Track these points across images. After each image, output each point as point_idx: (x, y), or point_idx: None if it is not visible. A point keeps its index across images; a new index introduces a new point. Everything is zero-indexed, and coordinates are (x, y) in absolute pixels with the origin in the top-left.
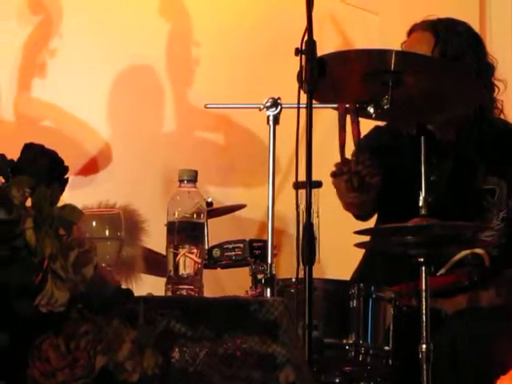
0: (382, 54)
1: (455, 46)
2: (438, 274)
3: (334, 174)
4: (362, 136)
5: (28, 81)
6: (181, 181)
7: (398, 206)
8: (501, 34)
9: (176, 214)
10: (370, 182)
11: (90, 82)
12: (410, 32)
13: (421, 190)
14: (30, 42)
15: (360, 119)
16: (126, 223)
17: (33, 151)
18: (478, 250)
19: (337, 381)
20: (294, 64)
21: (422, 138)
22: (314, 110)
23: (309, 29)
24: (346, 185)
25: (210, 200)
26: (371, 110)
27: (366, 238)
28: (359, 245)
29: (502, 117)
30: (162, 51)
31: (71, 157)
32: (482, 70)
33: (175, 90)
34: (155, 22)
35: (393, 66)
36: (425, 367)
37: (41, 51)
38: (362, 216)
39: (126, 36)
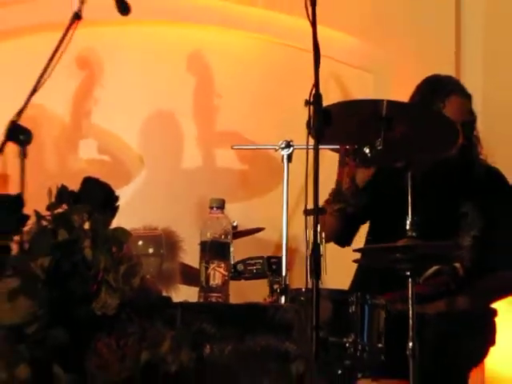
0: (375, 103)
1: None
2: (420, 281)
3: (327, 205)
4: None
5: (77, 124)
6: (211, 208)
7: (387, 229)
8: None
9: (208, 235)
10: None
11: (129, 125)
12: (450, 93)
13: (407, 214)
14: (78, 92)
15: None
16: (166, 242)
17: (90, 183)
18: (456, 264)
19: (339, 372)
20: (304, 111)
21: (409, 173)
22: (319, 151)
23: (316, 84)
24: (339, 213)
25: (235, 224)
26: (367, 150)
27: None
28: (357, 261)
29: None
30: (190, 100)
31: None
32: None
33: (205, 132)
34: (183, 75)
35: (384, 113)
36: (411, 362)
37: (87, 99)
38: (342, 242)
39: (159, 86)
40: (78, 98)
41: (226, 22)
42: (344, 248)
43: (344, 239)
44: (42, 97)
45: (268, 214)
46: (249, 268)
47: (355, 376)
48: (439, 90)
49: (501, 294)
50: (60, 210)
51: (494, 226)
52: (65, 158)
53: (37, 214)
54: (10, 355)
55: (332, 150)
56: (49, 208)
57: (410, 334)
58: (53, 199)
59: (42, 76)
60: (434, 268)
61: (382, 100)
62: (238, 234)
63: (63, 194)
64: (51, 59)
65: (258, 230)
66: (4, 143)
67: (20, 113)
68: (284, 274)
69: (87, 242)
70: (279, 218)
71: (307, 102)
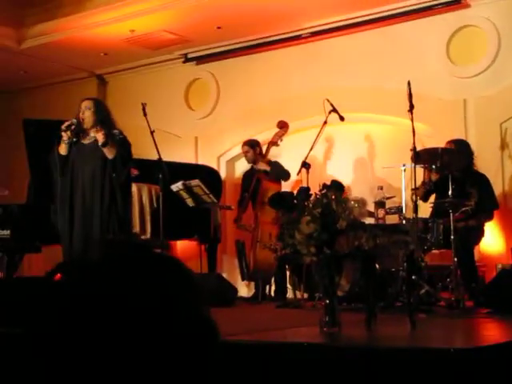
0: (437, 149)
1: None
2: (456, 214)
3: (421, 187)
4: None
5: (324, 160)
6: (377, 189)
7: (442, 195)
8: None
9: (376, 199)
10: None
11: (341, 165)
12: (448, 143)
13: (449, 190)
14: (325, 150)
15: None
16: (361, 202)
17: (334, 182)
18: (467, 208)
19: (425, 247)
20: (410, 153)
21: (450, 175)
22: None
23: (413, 142)
24: (424, 191)
25: (386, 195)
26: (434, 167)
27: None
28: (431, 207)
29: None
30: (366, 153)
31: None
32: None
33: (371, 162)
34: (363, 144)
35: (440, 152)
36: (452, 243)
37: (328, 153)
38: (424, 200)
39: (357, 149)
40: (325, 152)
41: (375, 122)
42: (426, 202)
43: (426, 199)
44: (313, 151)
45: (396, 190)
46: (391, 211)
47: (431, 249)
48: (456, 142)
49: (486, 220)
50: (322, 192)
51: (481, 197)
52: (322, 172)
53: (315, 193)
54: (310, 239)
55: (421, 167)
56: (320, 191)
57: (452, 232)
58: (320, 188)
59: (314, 143)
60: (462, 209)
61: (439, 147)
62: (387, 198)
63: (324, 186)
64: (316, 139)
65: (393, 196)
66: (300, 168)
67: (306, 157)
68: (404, 211)
69: (333, 202)
70: (401, 191)
71: (411, 150)
